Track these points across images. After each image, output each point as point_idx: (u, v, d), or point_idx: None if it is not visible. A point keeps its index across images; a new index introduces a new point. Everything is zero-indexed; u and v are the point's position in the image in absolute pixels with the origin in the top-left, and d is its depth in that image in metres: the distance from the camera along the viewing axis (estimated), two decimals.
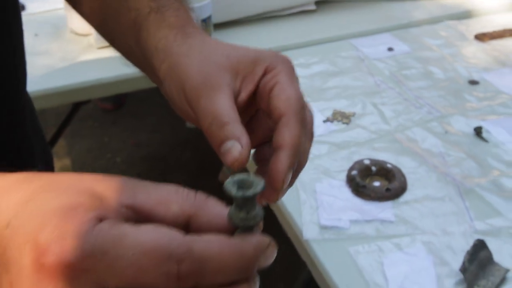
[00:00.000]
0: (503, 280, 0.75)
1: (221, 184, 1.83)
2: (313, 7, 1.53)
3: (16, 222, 0.31)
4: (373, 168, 0.95)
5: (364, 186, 0.91)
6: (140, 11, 0.50)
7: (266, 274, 0.36)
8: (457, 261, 0.78)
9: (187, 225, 0.32)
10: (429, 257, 0.79)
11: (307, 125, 0.45)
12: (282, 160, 0.41)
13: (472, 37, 1.41)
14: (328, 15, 1.54)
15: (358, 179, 0.92)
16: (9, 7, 0.59)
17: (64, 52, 1.36)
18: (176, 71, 0.46)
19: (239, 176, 0.34)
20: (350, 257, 0.80)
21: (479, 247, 0.77)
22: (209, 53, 0.46)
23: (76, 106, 1.71)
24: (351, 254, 0.80)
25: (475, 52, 1.35)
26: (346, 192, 0.92)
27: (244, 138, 0.41)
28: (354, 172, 0.94)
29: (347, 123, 1.09)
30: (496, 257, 0.78)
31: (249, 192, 0.33)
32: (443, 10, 1.55)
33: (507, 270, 0.76)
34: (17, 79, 0.62)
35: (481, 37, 1.40)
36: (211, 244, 0.30)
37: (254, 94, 0.46)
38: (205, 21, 1.32)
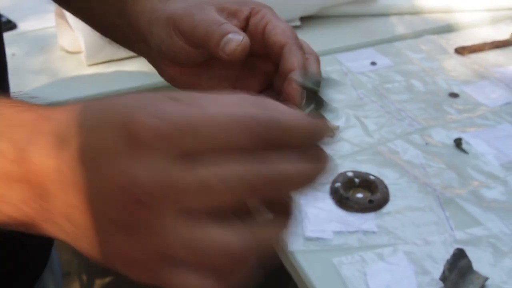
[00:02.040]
0: None
1: None
2: (298, 23, 1.55)
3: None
4: (356, 180, 0.97)
5: (347, 198, 0.92)
6: None
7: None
8: (438, 269, 0.79)
9: None
10: (410, 267, 0.81)
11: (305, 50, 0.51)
12: (298, 77, 0.46)
13: (452, 50, 1.43)
14: (313, 31, 1.55)
15: (341, 191, 0.93)
16: None
17: (55, 69, 1.37)
18: (165, 15, 0.50)
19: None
20: (334, 268, 0.81)
21: (459, 256, 0.79)
22: None
23: None
24: (335, 265, 0.81)
25: (455, 65, 1.37)
26: (330, 204, 0.93)
27: (242, 32, 0.46)
28: (337, 184, 0.95)
29: (331, 136, 1.10)
30: (476, 266, 0.79)
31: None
32: (425, 24, 1.57)
33: (486, 278, 0.77)
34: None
35: (461, 50, 1.43)
36: (293, 115, 0.34)
37: None
38: None
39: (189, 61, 0.50)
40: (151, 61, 0.54)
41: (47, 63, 1.40)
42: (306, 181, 0.34)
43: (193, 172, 0.32)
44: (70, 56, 1.42)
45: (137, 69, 1.38)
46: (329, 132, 0.38)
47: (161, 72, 0.54)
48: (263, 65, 0.51)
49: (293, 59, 0.47)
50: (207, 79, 0.52)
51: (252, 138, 0.32)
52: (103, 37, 0.65)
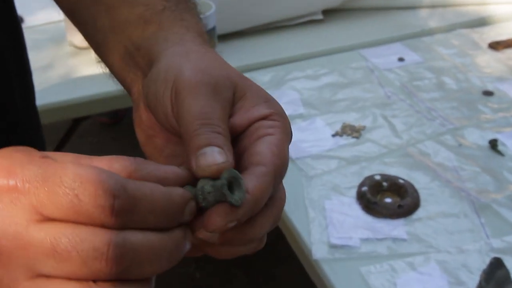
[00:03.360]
0: None
1: None
2: (320, 16, 1.55)
3: None
4: (385, 184, 0.96)
5: (375, 203, 0.92)
6: (150, 6, 0.50)
7: None
8: (473, 280, 0.79)
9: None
10: (443, 277, 0.80)
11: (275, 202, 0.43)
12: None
13: (485, 45, 1.42)
14: (336, 25, 1.55)
15: (369, 196, 0.93)
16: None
17: (64, 66, 1.38)
18: (190, 60, 0.44)
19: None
20: (361, 277, 0.81)
21: (496, 265, 0.78)
22: (223, 64, 0.45)
23: (76, 122, 1.73)
24: (362, 275, 0.81)
25: (489, 61, 1.36)
26: (357, 209, 0.93)
27: (229, 153, 0.39)
28: (364, 188, 0.95)
29: (357, 137, 1.10)
30: None
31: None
32: (456, 17, 1.56)
33: None
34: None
35: (495, 45, 1.42)
36: (144, 186, 0.34)
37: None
38: (209, 32, 1.33)
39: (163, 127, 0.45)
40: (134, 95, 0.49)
41: (55, 59, 1.41)
42: (156, 255, 0.34)
43: (46, 235, 0.33)
44: (79, 52, 1.43)
45: None
46: (189, 205, 0.36)
47: (134, 109, 0.49)
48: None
49: (253, 184, 0.38)
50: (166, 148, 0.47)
51: (97, 207, 0.32)
52: None
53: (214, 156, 0.38)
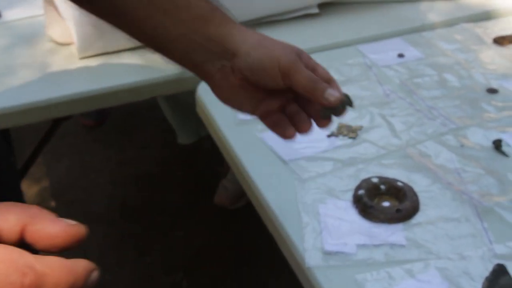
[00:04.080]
0: None
1: (217, 206, 1.88)
2: (316, 10, 1.56)
3: None
4: (382, 187, 0.97)
5: (372, 207, 0.93)
6: (203, 8, 0.73)
7: None
8: None
9: (23, 232, 0.40)
10: (444, 284, 0.81)
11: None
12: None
13: (490, 40, 1.43)
14: (333, 19, 1.56)
15: (365, 199, 0.94)
16: None
17: (43, 63, 1.38)
18: (266, 46, 0.74)
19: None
20: (357, 285, 0.81)
21: (499, 272, 0.79)
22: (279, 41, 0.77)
23: (56, 123, 1.73)
24: (358, 283, 0.82)
25: (493, 57, 1.37)
26: (353, 214, 0.93)
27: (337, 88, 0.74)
28: (361, 192, 0.95)
29: (353, 138, 1.10)
30: None
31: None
32: (459, 11, 1.57)
33: None
34: None
35: (500, 40, 1.43)
36: (51, 262, 0.39)
37: None
38: None
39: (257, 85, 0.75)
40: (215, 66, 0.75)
41: (34, 56, 1.41)
42: None
43: None
44: (60, 48, 1.43)
45: (133, 62, 1.39)
46: (91, 275, 0.41)
47: (211, 79, 0.78)
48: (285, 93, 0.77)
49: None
50: (250, 97, 0.77)
51: (8, 284, 0.37)
52: (97, 27, 0.73)
53: (335, 92, 0.73)
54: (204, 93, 1.26)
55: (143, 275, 2.04)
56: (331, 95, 0.72)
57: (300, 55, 0.75)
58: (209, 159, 2.43)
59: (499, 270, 0.79)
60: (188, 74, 1.27)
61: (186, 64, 0.78)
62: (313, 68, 0.76)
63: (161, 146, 2.62)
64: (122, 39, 0.80)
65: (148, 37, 0.76)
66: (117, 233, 2.23)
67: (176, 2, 0.73)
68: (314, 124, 0.80)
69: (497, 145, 1.06)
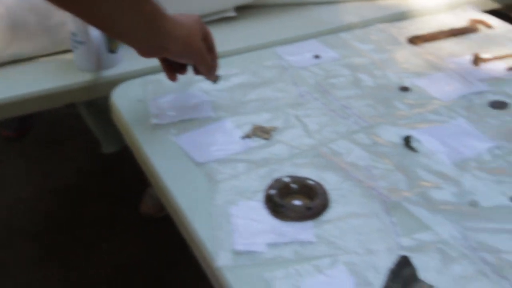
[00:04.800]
0: None
1: (142, 215, 1.89)
2: (233, 13, 1.58)
3: None
4: (294, 186, 1.00)
5: (283, 206, 0.95)
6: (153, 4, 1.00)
7: None
8: (381, 280, 0.82)
9: None
10: (350, 279, 0.83)
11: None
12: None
13: (405, 40, 1.49)
14: (250, 22, 1.59)
15: (276, 199, 0.96)
16: None
17: None
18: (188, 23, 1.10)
19: None
20: (266, 283, 0.83)
21: (403, 264, 0.82)
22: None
23: None
24: (267, 281, 0.84)
25: (407, 56, 1.42)
26: (264, 214, 0.95)
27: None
28: (272, 191, 0.98)
29: (267, 139, 1.13)
30: (423, 274, 0.83)
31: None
32: (375, 12, 1.62)
33: (430, 286, 0.81)
34: None
35: (414, 40, 1.48)
36: None
37: None
38: None
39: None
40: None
41: None
42: None
43: None
44: None
45: (47, 69, 1.39)
46: None
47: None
48: None
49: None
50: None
51: None
52: (9, 32, 0.73)
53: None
54: (118, 98, 1.27)
55: None
56: (214, 76, 1.22)
57: (205, 37, 1.15)
58: (134, 168, 2.41)
59: (403, 261, 0.82)
60: (103, 80, 1.28)
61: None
62: (211, 48, 1.17)
63: (85, 156, 2.60)
64: (35, 45, 0.81)
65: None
66: (42, 248, 2.20)
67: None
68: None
69: (407, 141, 1.10)
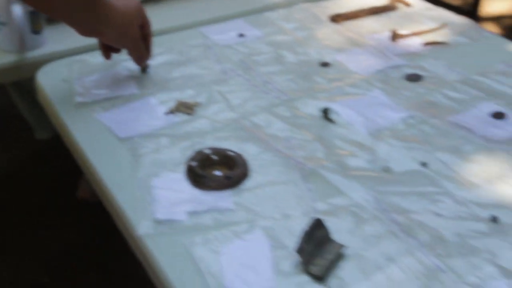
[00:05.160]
0: (338, 256, 0.84)
1: (79, 200, 1.88)
2: None
3: None
4: (214, 157, 1.02)
5: (204, 176, 0.97)
6: None
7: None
8: (296, 243, 0.85)
9: None
10: (267, 242, 0.86)
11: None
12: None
13: (327, 19, 1.52)
14: (176, 3, 1.61)
15: (197, 170, 0.98)
16: None
17: None
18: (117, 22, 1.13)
19: None
20: (185, 249, 0.86)
21: (316, 226, 0.85)
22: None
23: None
24: (187, 247, 0.86)
25: (329, 33, 1.45)
26: (185, 185, 0.98)
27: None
28: (193, 163, 1.00)
29: (190, 114, 1.15)
30: (336, 235, 0.87)
31: None
32: None
33: (341, 246, 0.84)
34: None
35: (335, 18, 1.52)
36: None
37: None
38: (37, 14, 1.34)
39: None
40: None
41: None
42: None
43: None
44: None
45: None
46: None
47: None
48: None
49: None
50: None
51: None
52: None
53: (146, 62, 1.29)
54: (43, 78, 1.27)
55: (5, 276, 2.00)
56: (144, 63, 1.26)
57: (143, 25, 1.21)
58: (70, 153, 2.40)
59: (316, 223, 0.85)
60: (28, 61, 1.28)
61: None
62: (147, 36, 1.23)
63: (19, 144, 2.57)
64: None
65: None
66: None
67: None
68: None
69: (325, 113, 1.14)
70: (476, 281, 0.81)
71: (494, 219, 0.91)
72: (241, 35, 1.44)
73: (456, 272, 0.82)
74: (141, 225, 0.89)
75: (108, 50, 1.23)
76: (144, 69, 1.28)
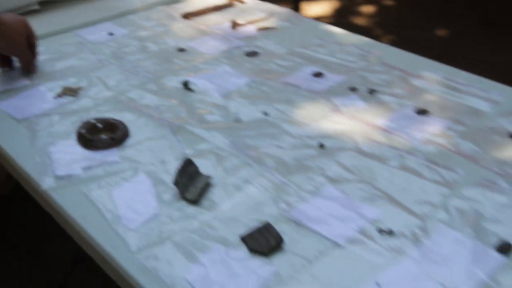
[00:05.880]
0: (207, 185, 0.90)
1: None
2: (36, 7, 1.57)
3: None
4: (99, 125, 1.04)
5: (92, 140, 1.00)
6: None
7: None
8: (173, 179, 0.90)
9: None
10: (149, 181, 0.91)
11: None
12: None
13: (180, 16, 1.57)
14: (55, 13, 1.59)
15: (86, 135, 1.00)
16: None
17: None
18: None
19: None
20: (85, 196, 0.88)
21: (187, 164, 0.90)
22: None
23: None
24: (85, 193, 0.88)
25: (183, 28, 1.50)
26: (78, 148, 0.99)
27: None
28: (82, 130, 1.02)
29: (75, 96, 1.16)
30: (203, 170, 0.92)
31: None
32: None
33: (209, 177, 0.90)
34: None
35: (188, 15, 1.57)
36: None
37: None
38: None
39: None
40: None
41: None
42: None
43: None
44: None
45: None
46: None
47: None
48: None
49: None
50: None
51: None
52: None
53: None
54: None
55: None
56: (32, 68, 1.27)
57: (29, 36, 1.23)
58: None
59: (187, 162, 0.91)
60: None
61: None
62: (33, 46, 1.25)
63: None
64: None
65: None
66: None
67: None
68: None
69: (185, 85, 1.19)
70: (312, 189, 0.89)
71: (321, 146, 1.00)
72: (110, 34, 1.46)
73: (297, 184, 0.90)
74: (44, 181, 0.91)
75: (1, 60, 1.26)
76: (31, 72, 1.27)
